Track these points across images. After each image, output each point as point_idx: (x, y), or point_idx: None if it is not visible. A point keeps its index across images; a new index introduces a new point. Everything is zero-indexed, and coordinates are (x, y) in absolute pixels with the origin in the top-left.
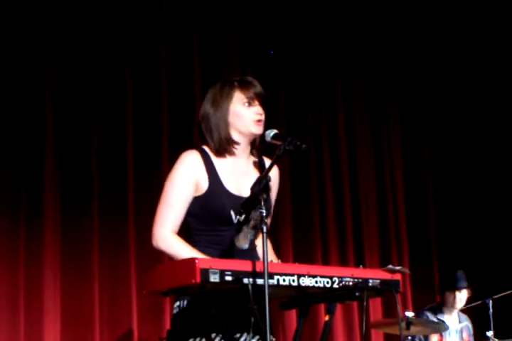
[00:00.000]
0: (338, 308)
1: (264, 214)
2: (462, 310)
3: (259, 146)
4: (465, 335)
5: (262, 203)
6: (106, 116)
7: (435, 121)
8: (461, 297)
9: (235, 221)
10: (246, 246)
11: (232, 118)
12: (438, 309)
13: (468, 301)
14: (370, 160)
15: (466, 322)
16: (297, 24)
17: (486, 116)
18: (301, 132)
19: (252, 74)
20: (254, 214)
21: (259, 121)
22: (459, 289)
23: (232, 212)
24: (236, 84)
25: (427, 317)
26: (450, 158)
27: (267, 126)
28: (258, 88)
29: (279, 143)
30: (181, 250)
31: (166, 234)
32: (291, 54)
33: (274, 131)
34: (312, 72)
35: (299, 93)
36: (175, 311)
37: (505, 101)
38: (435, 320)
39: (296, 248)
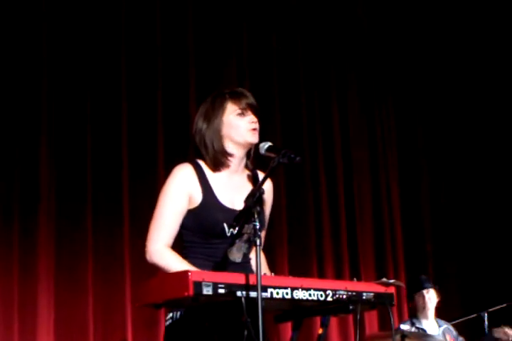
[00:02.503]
0: (334, 321)
1: (258, 227)
2: (453, 324)
3: (253, 159)
4: (448, 337)
5: (256, 216)
6: (101, 125)
7: (431, 126)
8: (430, 296)
9: (229, 234)
10: (239, 259)
11: (226, 130)
12: (414, 318)
13: (462, 314)
14: (365, 172)
15: (447, 325)
16: (292, 29)
17: (482, 122)
18: (296, 143)
19: (248, 83)
20: (248, 228)
21: (254, 129)
22: (426, 289)
23: (225, 225)
24: (227, 96)
25: (400, 329)
26: (446, 166)
27: (262, 135)
28: (250, 98)
29: (273, 155)
30: (174, 264)
31: (160, 248)
32: (286, 60)
33: (268, 144)
34: (307, 79)
35: (294, 102)
36: (167, 323)
37: (502, 107)
38: (414, 330)
39: (291, 261)
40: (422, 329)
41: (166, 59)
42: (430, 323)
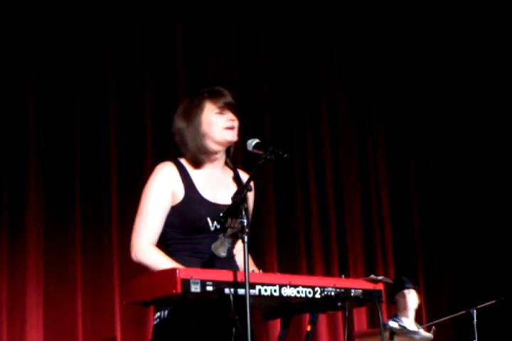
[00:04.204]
0: (323, 318)
1: (246, 224)
2: (442, 321)
3: (233, 156)
4: None
5: (244, 212)
6: (89, 126)
7: (420, 132)
8: (411, 297)
9: (212, 228)
10: (223, 254)
11: (205, 128)
12: (395, 317)
13: (451, 311)
14: (354, 171)
15: (421, 329)
16: (281, 32)
17: (473, 125)
18: (285, 143)
19: (237, 82)
20: (232, 222)
21: (231, 128)
22: (407, 289)
23: (208, 219)
24: (206, 95)
25: (389, 326)
26: (435, 167)
27: (251, 133)
28: (228, 97)
29: (260, 152)
30: (161, 262)
31: (145, 247)
32: (275, 63)
33: (255, 141)
34: (296, 82)
35: (283, 105)
36: (155, 322)
37: (494, 120)
38: (398, 326)
39: (280, 259)
40: (404, 327)
41: (153, 58)
42: (410, 322)
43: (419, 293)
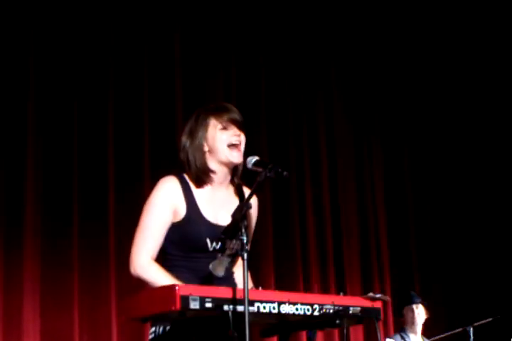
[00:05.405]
0: (320, 335)
1: (245, 241)
2: (439, 338)
3: (241, 175)
4: None
5: (243, 230)
6: (87, 140)
7: (417, 147)
8: (419, 311)
9: (211, 249)
10: (221, 273)
11: (209, 145)
12: (402, 332)
13: (448, 328)
14: (351, 189)
15: None
16: (280, 50)
17: (465, 147)
18: (283, 162)
19: (235, 100)
20: (231, 243)
21: (236, 145)
22: (416, 303)
23: (208, 240)
24: (210, 111)
25: None
26: (431, 184)
27: (249, 150)
28: (233, 113)
29: (260, 170)
30: (160, 278)
31: (145, 262)
32: (274, 81)
33: (255, 158)
34: (294, 99)
35: (281, 124)
36: (150, 337)
37: (487, 139)
38: None
39: (277, 276)
40: None
41: (152, 72)
42: (418, 338)
43: (427, 308)
